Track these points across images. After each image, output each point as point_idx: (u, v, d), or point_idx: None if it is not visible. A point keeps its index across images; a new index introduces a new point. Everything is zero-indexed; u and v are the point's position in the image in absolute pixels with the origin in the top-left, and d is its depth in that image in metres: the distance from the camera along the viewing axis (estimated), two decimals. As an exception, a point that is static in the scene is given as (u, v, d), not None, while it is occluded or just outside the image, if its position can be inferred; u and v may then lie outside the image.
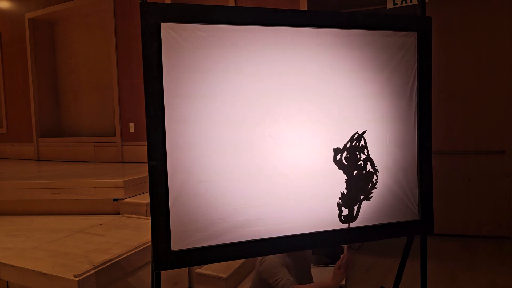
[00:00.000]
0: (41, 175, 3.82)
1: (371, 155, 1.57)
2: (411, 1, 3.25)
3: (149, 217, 1.35)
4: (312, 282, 2.00)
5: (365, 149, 1.55)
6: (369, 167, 1.56)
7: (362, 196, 1.56)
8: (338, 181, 1.54)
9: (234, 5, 3.98)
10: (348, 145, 1.53)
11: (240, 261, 2.68)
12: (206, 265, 2.58)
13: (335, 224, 1.54)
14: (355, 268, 3.03)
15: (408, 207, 1.64)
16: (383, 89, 1.58)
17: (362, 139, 1.54)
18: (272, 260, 1.80)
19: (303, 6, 3.63)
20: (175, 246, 1.36)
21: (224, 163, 1.40)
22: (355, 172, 1.54)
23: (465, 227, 3.60)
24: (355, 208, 1.55)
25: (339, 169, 1.52)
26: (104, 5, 4.87)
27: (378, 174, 1.57)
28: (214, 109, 1.38)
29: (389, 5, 3.34)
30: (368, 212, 1.58)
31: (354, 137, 1.54)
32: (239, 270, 2.66)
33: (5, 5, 5.75)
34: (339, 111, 1.53)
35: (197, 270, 2.59)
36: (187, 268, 2.64)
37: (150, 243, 1.44)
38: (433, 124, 1.67)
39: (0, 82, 5.90)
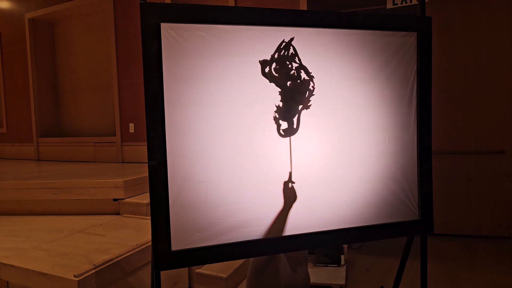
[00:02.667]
0: (41, 175, 3.82)
1: (364, 155, 1.54)
2: (411, 1, 3.26)
3: (149, 217, 1.35)
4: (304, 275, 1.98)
5: (296, 57, 1.45)
6: (303, 75, 1.47)
7: (300, 107, 1.48)
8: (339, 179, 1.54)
9: (234, 5, 3.98)
10: (276, 56, 1.43)
11: (240, 261, 2.68)
12: (206, 265, 2.58)
13: (335, 224, 1.54)
14: (355, 268, 3.03)
15: (408, 207, 1.64)
16: (383, 89, 1.58)
17: (291, 47, 1.44)
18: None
19: (303, 6, 3.63)
20: (175, 246, 1.36)
21: (224, 163, 1.40)
22: (288, 83, 1.45)
23: (465, 227, 3.60)
24: (295, 120, 1.47)
25: (270, 81, 1.42)
26: (104, 5, 4.87)
27: (314, 80, 1.48)
28: (215, 109, 1.39)
29: (389, 5, 3.35)
30: (368, 212, 1.59)
31: (281, 46, 1.43)
32: (239, 270, 2.66)
33: (5, 5, 5.75)
34: (338, 111, 1.53)
35: (197, 270, 2.59)
36: (187, 268, 2.64)
37: (150, 243, 1.44)
38: (433, 124, 1.67)
39: (0, 82, 5.90)
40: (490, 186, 3.51)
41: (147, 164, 1.33)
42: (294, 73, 1.46)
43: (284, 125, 1.46)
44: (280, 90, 1.45)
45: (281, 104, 1.45)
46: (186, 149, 1.36)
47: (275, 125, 1.46)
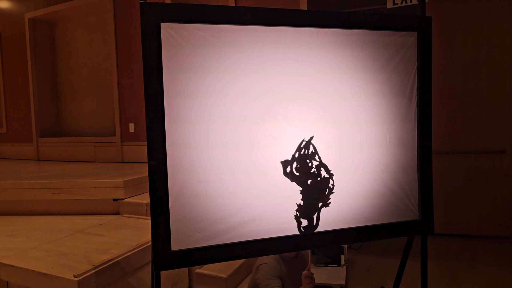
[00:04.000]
0: (41, 175, 3.82)
1: (364, 155, 1.54)
2: (411, 1, 3.26)
3: (149, 217, 1.35)
4: None
5: (316, 155, 1.48)
6: (323, 173, 1.49)
7: (320, 204, 1.50)
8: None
9: (234, 5, 3.98)
10: (296, 155, 1.46)
11: (240, 261, 2.68)
12: (206, 265, 2.58)
13: (335, 224, 1.54)
14: (355, 268, 3.03)
15: (408, 207, 1.64)
16: (383, 89, 1.58)
17: (311, 145, 1.47)
18: (266, 270, 1.80)
19: (303, 6, 3.63)
20: (175, 246, 1.35)
21: (224, 163, 1.40)
22: (309, 181, 1.47)
23: (465, 227, 3.60)
24: (314, 217, 1.49)
25: (292, 181, 1.45)
26: (104, 5, 4.87)
27: (334, 178, 1.50)
28: (214, 109, 1.38)
29: (389, 5, 3.35)
30: (368, 212, 1.58)
31: (302, 145, 1.46)
32: (239, 270, 2.66)
33: (5, 5, 5.75)
34: (339, 111, 1.53)
35: (197, 270, 2.59)
36: (187, 268, 2.64)
37: (150, 243, 1.44)
38: (433, 124, 1.67)
39: (0, 82, 5.90)
40: (490, 186, 3.51)
41: (147, 164, 1.33)
42: (314, 171, 1.48)
43: (304, 222, 1.49)
44: (301, 188, 1.47)
45: (301, 202, 1.47)
46: (186, 149, 1.36)
47: (296, 223, 1.47)
